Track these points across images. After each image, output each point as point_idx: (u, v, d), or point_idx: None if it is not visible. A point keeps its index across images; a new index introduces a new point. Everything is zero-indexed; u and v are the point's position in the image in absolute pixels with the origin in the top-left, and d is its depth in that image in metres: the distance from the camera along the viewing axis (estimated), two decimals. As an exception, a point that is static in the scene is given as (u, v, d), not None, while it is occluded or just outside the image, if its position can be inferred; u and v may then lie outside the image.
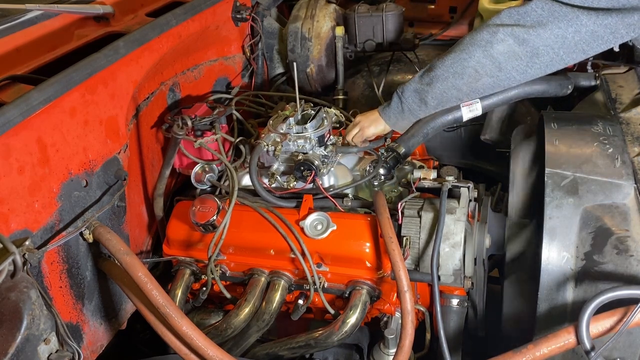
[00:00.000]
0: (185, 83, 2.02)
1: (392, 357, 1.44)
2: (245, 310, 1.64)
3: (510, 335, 1.74)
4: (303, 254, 1.61)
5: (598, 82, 1.81)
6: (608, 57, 1.63)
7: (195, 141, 1.75)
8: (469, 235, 1.59)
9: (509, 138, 1.90)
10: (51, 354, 1.19)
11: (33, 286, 1.15)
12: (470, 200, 1.62)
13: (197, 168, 1.80)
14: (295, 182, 1.69)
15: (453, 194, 1.60)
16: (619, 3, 1.29)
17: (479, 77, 1.46)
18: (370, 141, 1.79)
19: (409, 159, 1.84)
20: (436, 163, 1.87)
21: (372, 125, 1.69)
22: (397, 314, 1.66)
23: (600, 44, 1.35)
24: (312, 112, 1.78)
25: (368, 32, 2.34)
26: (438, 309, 1.47)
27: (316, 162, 1.66)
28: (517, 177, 1.77)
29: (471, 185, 1.63)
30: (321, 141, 1.72)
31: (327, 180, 1.75)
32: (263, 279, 1.68)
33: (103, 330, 1.61)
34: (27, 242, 1.18)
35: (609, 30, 1.32)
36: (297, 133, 1.70)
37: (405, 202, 1.61)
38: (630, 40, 1.55)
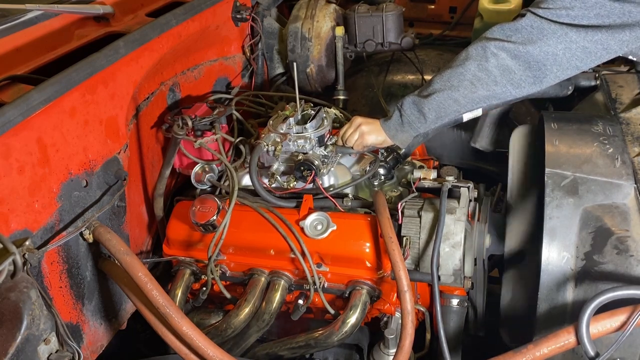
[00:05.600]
0: (185, 83, 2.02)
1: (392, 357, 1.44)
2: (245, 310, 1.64)
3: (509, 335, 1.74)
4: (303, 254, 1.61)
5: (598, 82, 1.81)
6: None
7: (195, 141, 1.75)
8: (469, 235, 1.59)
9: (504, 141, 1.90)
10: (51, 354, 1.19)
11: (33, 286, 1.15)
12: (470, 200, 1.62)
13: (197, 168, 1.80)
14: (295, 182, 1.69)
15: (453, 194, 1.60)
16: (609, 19, 1.30)
17: (475, 90, 1.47)
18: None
19: (409, 159, 1.84)
20: (436, 163, 1.87)
21: (373, 134, 1.66)
22: (397, 314, 1.66)
23: (594, 59, 1.36)
24: (312, 112, 1.78)
25: (368, 32, 2.34)
26: (438, 309, 1.47)
27: (316, 162, 1.66)
28: (516, 177, 1.77)
29: (471, 185, 1.63)
30: (321, 141, 1.72)
31: (327, 180, 1.75)
32: (263, 279, 1.68)
33: (103, 330, 1.61)
34: (27, 242, 1.18)
35: (600, 46, 1.33)
36: (297, 133, 1.70)
37: (405, 202, 1.61)
38: (628, 55, 1.57)
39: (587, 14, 1.31)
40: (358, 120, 1.71)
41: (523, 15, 1.40)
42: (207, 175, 1.80)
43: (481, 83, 1.45)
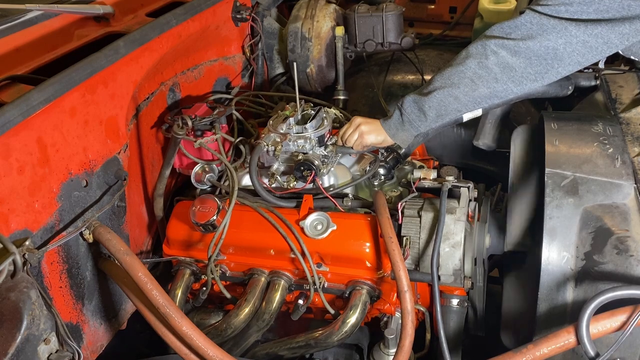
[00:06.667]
0: (185, 83, 2.02)
1: (392, 357, 1.44)
2: (245, 310, 1.64)
3: (509, 335, 1.74)
4: (303, 254, 1.61)
5: (598, 82, 1.81)
6: (608, 58, 1.64)
7: (195, 141, 1.75)
8: (469, 235, 1.59)
9: (504, 141, 1.89)
10: (51, 354, 1.19)
11: (33, 286, 1.15)
12: (470, 200, 1.62)
13: (197, 168, 1.80)
14: (295, 182, 1.69)
15: (453, 194, 1.60)
16: (608, 13, 1.30)
17: (476, 87, 1.47)
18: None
19: (409, 159, 1.84)
20: (436, 163, 1.87)
21: (373, 133, 1.66)
22: (397, 314, 1.66)
23: (595, 54, 1.36)
24: (312, 112, 1.78)
25: (368, 32, 2.34)
26: (438, 309, 1.47)
27: (316, 162, 1.66)
28: (516, 177, 1.77)
29: (471, 185, 1.63)
30: (321, 141, 1.72)
31: (327, 180, 1.75)
32: (263, 279, 1.68)
33: (103, 330, 1.61)
34: (27, 242, 1.18)
35: (601, 40, 1.33)
36: (297, 133, 1.70)
37: (405, 202, 1.61)
38: (630, 55, 1.57)
39: (586, 9, 1.31)
40: (358, 120, 1.71)
41: (522, 13, 1.41)
42: (207, 175, 1.80)
43: (482, 80, 1.45)
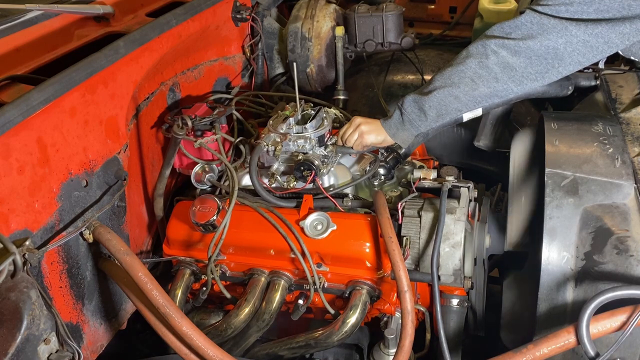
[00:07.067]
0: (185, 83, 2.02)
1: (392, 357, 1.44)
2: (245, 310, 1.64)
3: (509, 335, 1.74)
4: (303, 254, 1.61)
5: (598, 82, 1.81)
6: (608, 58, 1.64)
7: (195, 141, 1.75)
8: (469, 235, 1.59)
9: (504, 141, 1.89)
10: (51, 354, 1.19)
11: (33, 286, 1.15)
12: (470, 200, 1.62)
13: (197, 168, 1.80)
14: (295, 182, 1.69)
15: (453, 194, 1.60)
16: (609, 13, 1.30)
17: (476, 87, 1.47)
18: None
19: (409, 159, 1.84)
20: (436, 163, 1.87)
21: (372, 133, 1.67)
22: (397, 314, 1.66)
23: (595, 54, 1.36)
24: (312, 112, 1.78)
25: (368, 32, 2.34)
26: (438, 309, 1.47)
27: (316, 162, 1.66)
28: (516, 177, 1.77)
29: (471, 185, 1.63)
30: (321, 141, 1.72)
31: (327, 180, 1.75)
32: (263, 279, 1.68)
33: (103, 330, 1.61)
34: (27, 242, 1.18)
35: (601, 39, 1.33)
36: (297, 133, 1.70)
37: (405, 202, 1.61)
38: (630, 55, 1.57)
39: (586, 9, 1.31)
40: (358, 120, 1.71)
41: (522, 13, 1.41)
42: (207, 175, 1.80)
43: (482, 80, 1.46)
